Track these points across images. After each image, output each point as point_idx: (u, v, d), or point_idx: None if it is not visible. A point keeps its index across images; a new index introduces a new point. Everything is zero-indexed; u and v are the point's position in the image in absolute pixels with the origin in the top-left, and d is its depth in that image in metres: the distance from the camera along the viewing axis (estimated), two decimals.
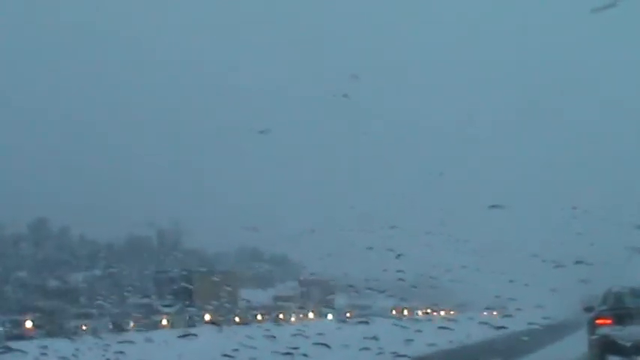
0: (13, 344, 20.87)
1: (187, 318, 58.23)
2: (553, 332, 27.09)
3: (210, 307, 58.53)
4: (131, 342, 17.86)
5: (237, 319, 60.02)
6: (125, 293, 68.12)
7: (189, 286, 67.22)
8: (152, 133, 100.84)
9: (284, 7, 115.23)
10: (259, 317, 65.25)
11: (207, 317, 57.10)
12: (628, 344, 13.23)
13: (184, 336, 18.04)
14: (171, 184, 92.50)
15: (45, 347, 16.42)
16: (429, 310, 64.12)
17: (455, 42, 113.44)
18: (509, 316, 33.55)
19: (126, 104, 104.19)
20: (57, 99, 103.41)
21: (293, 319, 65.35)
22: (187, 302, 62.17)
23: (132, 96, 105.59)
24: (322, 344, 13.53)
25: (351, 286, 45.03)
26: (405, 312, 63.64)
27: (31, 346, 17.33)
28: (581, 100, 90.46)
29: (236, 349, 14.37)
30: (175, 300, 65.92)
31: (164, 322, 57.73)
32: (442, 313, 59.73)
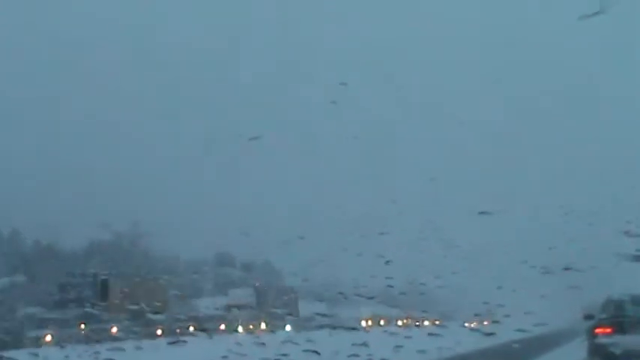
0: None
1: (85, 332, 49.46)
2: (547, 341, 27.04)
3: (125, 318, 51.11)
4: None
5: (158, 331, 52.10)
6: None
7: (103, 292, 58.20)
8: (135, 132, 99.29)
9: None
10: (191, 329, 55.35)
11: (114, 330, 50.15)
12: (628, 354, 13.07)
13: None
14: (154, 187, 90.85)
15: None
16: (405, 321, 60.75)
17: (446, 45, 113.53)
18: (497, 322, 33.54)
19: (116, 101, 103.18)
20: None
21: (240, 329, 58.23)
22: (93, 313, 53.38)
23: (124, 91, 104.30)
24: (312, 351, 13.50)
25: (340, 293, 44.60)
26: (382, 322, 60.39)
27: None
28: (573, 105, 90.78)
29: (225, 357, 14.26)
30: (66, 310, 56.39)
31: (48, 338, 49.02)
32: (426, 322, 56.48)
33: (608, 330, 13.46)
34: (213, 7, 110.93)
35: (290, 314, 62.33)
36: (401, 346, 20.96)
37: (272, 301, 70.37)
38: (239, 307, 70.05)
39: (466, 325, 40.70)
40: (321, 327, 40.44)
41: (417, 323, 55.78)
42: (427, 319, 56.24)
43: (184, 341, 27.33)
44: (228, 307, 70.48)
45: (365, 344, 18.36)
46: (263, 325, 60.63)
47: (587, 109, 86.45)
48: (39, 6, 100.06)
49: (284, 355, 12.02)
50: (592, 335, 13.92)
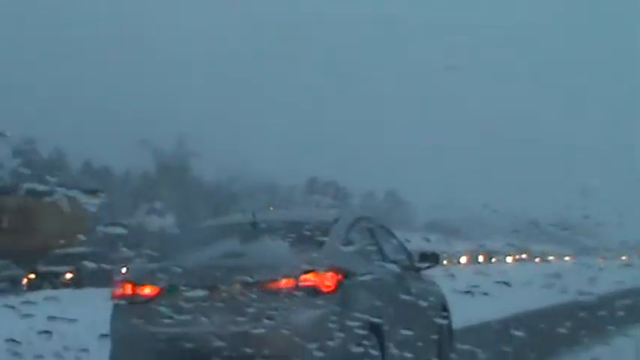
0: None
1: None
2: None
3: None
4: None
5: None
6: None
7: None
8: None
9: None
10: None
11: None
12: None
13: None
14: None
15: None
16: (524, 256, 55.55)
17: None
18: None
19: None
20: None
21: None
22: None
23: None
24: (503, 282, 12.15)
25: (532, 223, 41.23)
26: (481, 258, 54.76)
27: None
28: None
29: None
30: None
31: None
32: (550, 258, 51.41)
33: None
34: None
35: None
36: (596, 278, 19.17)
37: None
38: None
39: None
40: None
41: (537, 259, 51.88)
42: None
43: None
44: None
45: (558, 275, 16.74)
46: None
47: None
48: None
49: (475, 286, 10.74)
50: None
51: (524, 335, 9.57)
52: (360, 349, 6.45)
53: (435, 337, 8.63)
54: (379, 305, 7.02)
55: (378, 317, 6.89)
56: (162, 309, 6.60)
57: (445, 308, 9.42)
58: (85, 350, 7.70)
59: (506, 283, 12.36)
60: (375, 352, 6.70)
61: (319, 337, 6.29)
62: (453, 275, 11.14)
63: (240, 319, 6.41)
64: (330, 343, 6.25)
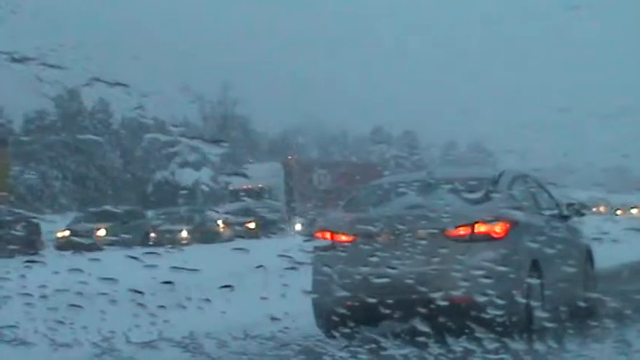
0: None
1: None
2: None
3: None
4: None
5: None
6: None
7: None
8: None
9: None
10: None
11: None
12: None
13: None
14: None
15: None
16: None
17: None
18: None
19: None
20: None
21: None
22: None
23: None
24: (635, 229, 11.72)
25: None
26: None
27: None
28: None
29: None
30: None
31: None
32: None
33: None
34: None
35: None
36: None
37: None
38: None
39: None
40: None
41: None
42: None
43: None
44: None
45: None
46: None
47: None
48: None
49: (604, 233, 10.59)
50: None
51: None
52: (525, 283, 7.75)
53: (582, 275, 9.84)
54: (538, 247, 8.06)
55: (537, 257, 8.12)
56: (357, 252, 7.74)
57: (589, 252, 10.44)
58: (207, 300, 7.77)
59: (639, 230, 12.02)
60: (536, 282, 8.00)
61: (493, 275, 7.19)
62: (581, 222, 10.92)
63: (423, 260, 7.51)
64: (502, 280, 7.33)
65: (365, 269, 7.47)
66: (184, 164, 62.14)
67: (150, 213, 37.60)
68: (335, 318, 7.59)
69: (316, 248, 8.35)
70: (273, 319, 7.22)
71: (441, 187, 8.39)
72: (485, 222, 7.87)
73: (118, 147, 66.64)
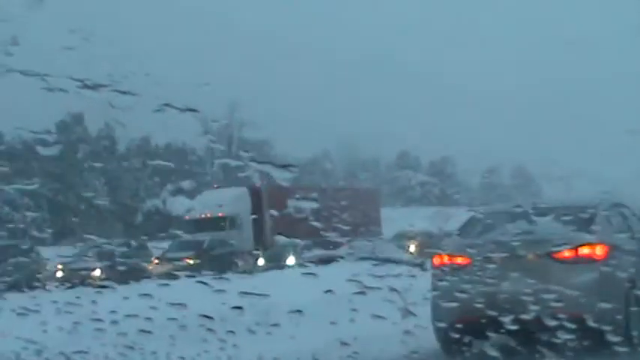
0: None
1: None
2: None
3: None
4: None
5: None
6: None
7: None
8: None
9: None
10: None
11: None
12: None
13: None
14: None
15: None
16: None
17: None
18: None
19: None
20: None
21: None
22: None
23: None
24: None
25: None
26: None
27: None
28: None
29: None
30: None
31: None
32: None
33: None
34: None
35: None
36: None
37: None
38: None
39: None
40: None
41: None
42: None
43: None
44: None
45: None
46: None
47: None
48: None
49: None
50: None
51: None
52: (624, 301, 8.67)
53: None
54: (634, 268, 9.11)
55: (634, 277, 9.05)
56: (473, 273, 8.40)
57: None
58: (276, 325, 7.73)
59: None
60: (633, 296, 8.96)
61: (599, 292, 8.23)
62: None
63: (534, 281, 7.88)
64: (606, 296, 8.08)
65: (482, 288, 8.13)
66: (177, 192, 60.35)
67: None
68: (452, 333, 8.30)
69: (436, 270, 9.22)
70: (343, 343, 7.12)
71: (544, 214, 9.08)
72: (587, 245, 8.74)
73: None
